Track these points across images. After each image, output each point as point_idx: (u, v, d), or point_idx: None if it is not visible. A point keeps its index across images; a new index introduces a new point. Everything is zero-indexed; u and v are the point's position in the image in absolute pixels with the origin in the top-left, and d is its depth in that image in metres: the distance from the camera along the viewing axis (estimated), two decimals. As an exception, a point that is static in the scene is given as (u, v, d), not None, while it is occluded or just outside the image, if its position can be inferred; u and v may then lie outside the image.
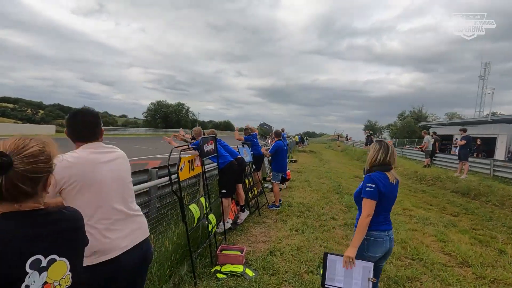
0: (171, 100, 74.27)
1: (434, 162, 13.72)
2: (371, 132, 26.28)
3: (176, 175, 2.78)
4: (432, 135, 13.84)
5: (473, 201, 7.57)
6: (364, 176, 2.11)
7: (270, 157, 6.29)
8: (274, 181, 5.93)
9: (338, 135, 47.69)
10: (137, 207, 1.59)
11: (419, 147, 16.78)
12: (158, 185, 3.56)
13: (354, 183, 9.45)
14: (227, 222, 4.16)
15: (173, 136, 4.67)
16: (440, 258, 3.77)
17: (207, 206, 3.35)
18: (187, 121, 69.04)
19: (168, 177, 2.68)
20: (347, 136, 43.73)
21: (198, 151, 3.37)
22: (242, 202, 4.79)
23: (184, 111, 72.71)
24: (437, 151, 14.36)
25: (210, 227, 3.25)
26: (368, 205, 1.97)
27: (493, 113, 27.21)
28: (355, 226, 2.09)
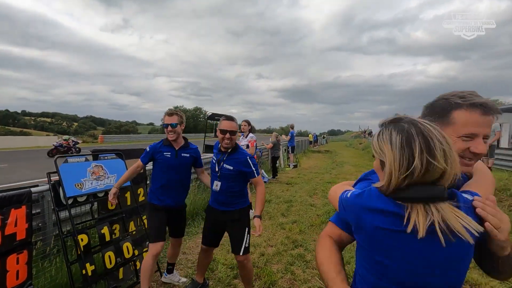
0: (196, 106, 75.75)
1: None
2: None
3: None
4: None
5: None
6: None
7: None
8: None
9: (364, 132, 42.67)
10: None
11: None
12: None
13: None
14: None
15: None
16: None
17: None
18: (205, 125, 68.04)
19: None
20: (371, 132, 38.69)
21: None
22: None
23: (201, 115, 72.21)
24: (498, 147, 10.26)
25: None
26: None
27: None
28: None
